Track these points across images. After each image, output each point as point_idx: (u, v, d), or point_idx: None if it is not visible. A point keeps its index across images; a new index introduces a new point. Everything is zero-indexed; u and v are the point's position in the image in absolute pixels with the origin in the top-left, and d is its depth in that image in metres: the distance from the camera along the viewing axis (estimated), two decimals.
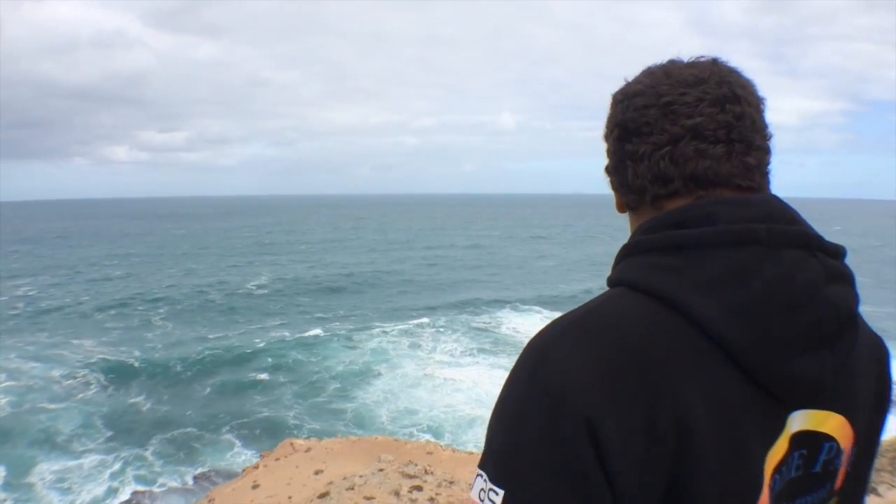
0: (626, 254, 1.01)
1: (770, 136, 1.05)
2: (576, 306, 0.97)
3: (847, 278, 0.97)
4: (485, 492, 0.87)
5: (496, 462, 0.88)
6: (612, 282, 1.00)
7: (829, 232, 0.99)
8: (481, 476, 0.89)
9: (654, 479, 0.83)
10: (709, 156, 0.98)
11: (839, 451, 1.00)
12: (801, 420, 0.94)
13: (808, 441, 0.96)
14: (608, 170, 1.12)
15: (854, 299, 0.97)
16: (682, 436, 0.83)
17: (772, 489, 0.91)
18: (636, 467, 0.82)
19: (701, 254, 0.92)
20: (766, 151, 1.04)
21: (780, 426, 0.92)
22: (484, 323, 33.78)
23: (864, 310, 0.99)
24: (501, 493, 0.85)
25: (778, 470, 0.92)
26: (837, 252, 0.98)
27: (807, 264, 0.91)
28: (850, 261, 1.00)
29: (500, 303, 39.26)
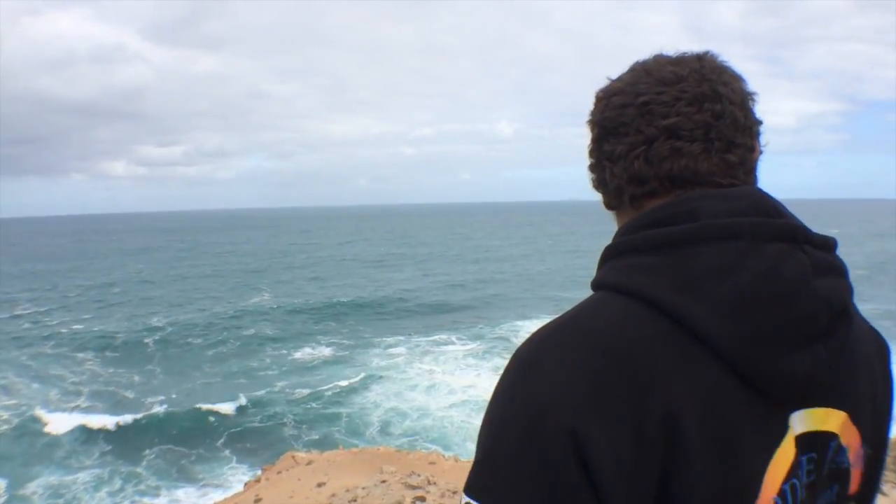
0: (608, 256, 0.98)
1: (759, 133, 1.03)
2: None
3: (838, 270, 0.94)
4: None
5: (476, 478, 0.86)
6: (595, 285, 0.96)
7: (827, 234, 0.96)
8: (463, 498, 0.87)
9: (645, 487, 0.80)
10: (685, 154, 0.96)
11: (841, 447, 0.96)
12: (803, 421, 0.91)
13: (816, 443, 0.93)
14: (590, 168, 1.09)
15: (846, 291, 0.94)
16: (670, 440, 0.80)
17: (786, 495, 0.88)
18: (626, 477, 0.79)
19: (682, 251, 0.88)
20: (751, 149, 1.01)
21: (781, 428, 0.88)
22: (497, 334, 33.12)
23: (866, 308, 0.96)
24: None
25: (794, 475, 0.89)
26: (827, 244, 0.95)
27: (793, 257, 0.88)
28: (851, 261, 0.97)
29: (513, 313, 38.59)
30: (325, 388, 25.16)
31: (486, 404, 0.92)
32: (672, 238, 0.90)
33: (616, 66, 1.09)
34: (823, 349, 0.88)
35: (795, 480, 0.89)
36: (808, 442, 0.92)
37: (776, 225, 0.90)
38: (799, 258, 0.88)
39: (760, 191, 0.96)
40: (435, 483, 10.49)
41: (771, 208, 0.93)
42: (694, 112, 0.96)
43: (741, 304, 0.84)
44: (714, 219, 0.89)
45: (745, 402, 0.85)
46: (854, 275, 0.93)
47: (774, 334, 0.85)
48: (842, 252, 0.97)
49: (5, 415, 22.57)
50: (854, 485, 1.00)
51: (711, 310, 0.84)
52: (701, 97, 0.97)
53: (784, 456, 0.88)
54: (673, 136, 0.96)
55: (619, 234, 1.00)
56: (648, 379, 0.81)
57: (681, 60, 1.01)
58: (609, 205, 1.08)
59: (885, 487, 6.93)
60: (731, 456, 0.83)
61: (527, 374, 0.86)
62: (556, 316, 0.93)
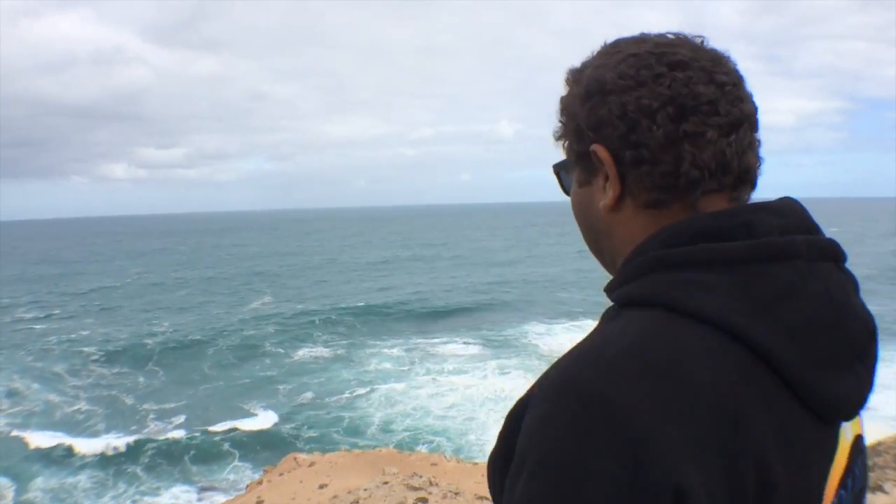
0: (649, 267, 0.85)
1: None
2: (597, 326, 0.86)
3: (857, 286, 0.90)
4: None
5: None
6: (636, 300, 0.84)
7: (826, 233, 0.95)
8: None
9: None
10: (754, 147, 0.89)
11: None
12: (850, 427, 0.90)
13: (859, 447, 0.92)
14: (650, 159, 0.87)
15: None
16: (761, 480, 0.74)
17: None
18: None
19: (745, 270, 0.80)
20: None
21: (835, 442, 0.86)
22: (502, 336, 32.84)
23: (874, 308, 0.95)
24: None
25: (843, 485, 0.87)
26: (845, 258, 0.91)
27: (839, 278, 0.85)
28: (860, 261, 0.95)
29: (517, 316, 38.33)
30: (328, 389, 25.18)
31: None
32: (732, 255, 0.81)
33: None
34: (864, 369, 0.85)
35: (843, 491, 0.87)
36: (855, 448, 0.91)
37: (822, 243, 0.86)
38: (840, 278, 0.86)
39: (798, 203, 0.91)
40: (437, 484, 10.47)
41: (811, 223, 0.89)
42: (748, 101, 0.90)
43: (806, 328, 0.80)
44: (768, 235, 0.83)
45: (808, 426, 0.82)
46: (862, 274, 0.92)
47: (831, 357, 0.81)
48: (849, 252, 0.95)
49: (7, 419, 22.67)
50: None
51: (781, 334, 0.79)
52: (742, 82, 0.90)
53: (837, 467, 0.86)
54: (752, 125, 0.89)
55: (660, 243, 0.87)
56: (736, 415, 0.74)
57: (702, 45, 0.92)
58: (649, 203, 0.90)
59: (886, 486, 6.91)
60: (806, 484, 0.81)
61: (598, 411, 0.71)
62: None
